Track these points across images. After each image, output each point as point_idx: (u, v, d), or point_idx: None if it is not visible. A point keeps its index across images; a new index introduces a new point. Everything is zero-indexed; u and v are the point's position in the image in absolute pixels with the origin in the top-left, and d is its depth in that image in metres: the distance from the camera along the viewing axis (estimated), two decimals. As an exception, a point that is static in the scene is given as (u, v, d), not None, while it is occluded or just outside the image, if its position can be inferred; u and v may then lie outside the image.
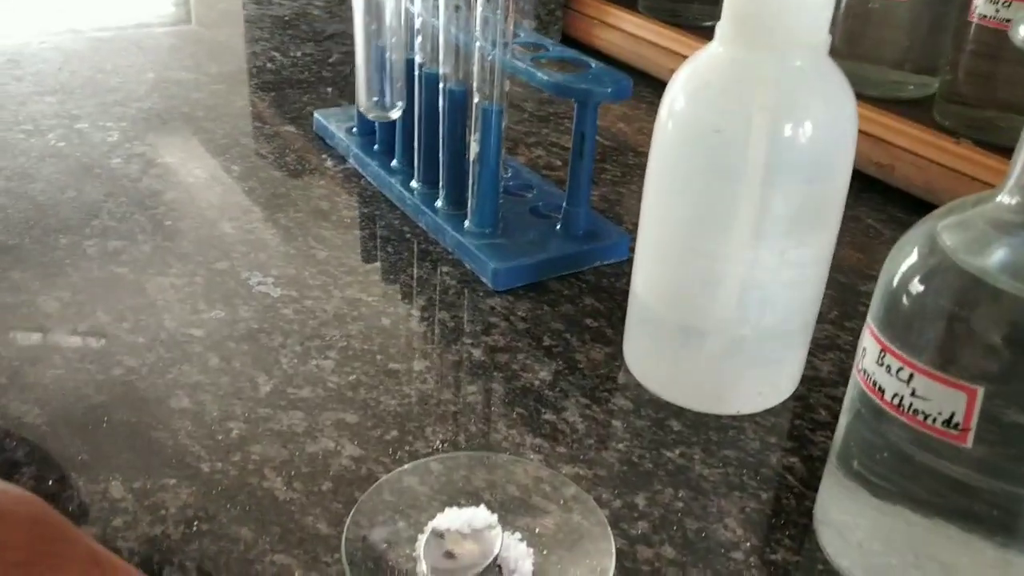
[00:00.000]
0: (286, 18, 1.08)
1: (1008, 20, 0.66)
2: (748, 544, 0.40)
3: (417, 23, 0.61)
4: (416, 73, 0.62)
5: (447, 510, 0.40)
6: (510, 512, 0.40)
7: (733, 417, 0.48)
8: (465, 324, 0.54)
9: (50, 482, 0.41)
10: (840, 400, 0.40)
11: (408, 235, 0.63)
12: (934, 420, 0.33)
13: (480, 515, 0.39)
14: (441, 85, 0.59)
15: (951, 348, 0.33)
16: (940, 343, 0.33)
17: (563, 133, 0.81)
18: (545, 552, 0.39)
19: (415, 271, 0.60)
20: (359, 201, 0.68)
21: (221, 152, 0.74)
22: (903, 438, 0.35)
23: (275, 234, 0.62)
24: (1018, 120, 0.63)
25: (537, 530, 0.40)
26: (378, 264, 0.60)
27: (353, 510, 0.39)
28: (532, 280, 0.58)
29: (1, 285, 0.55)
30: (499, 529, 0.39)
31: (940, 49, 0.75)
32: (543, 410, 0.48)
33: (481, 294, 0.57)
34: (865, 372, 0.36)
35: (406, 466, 0.42)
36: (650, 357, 0.49)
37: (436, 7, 0.58)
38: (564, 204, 0.61)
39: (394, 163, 0.68)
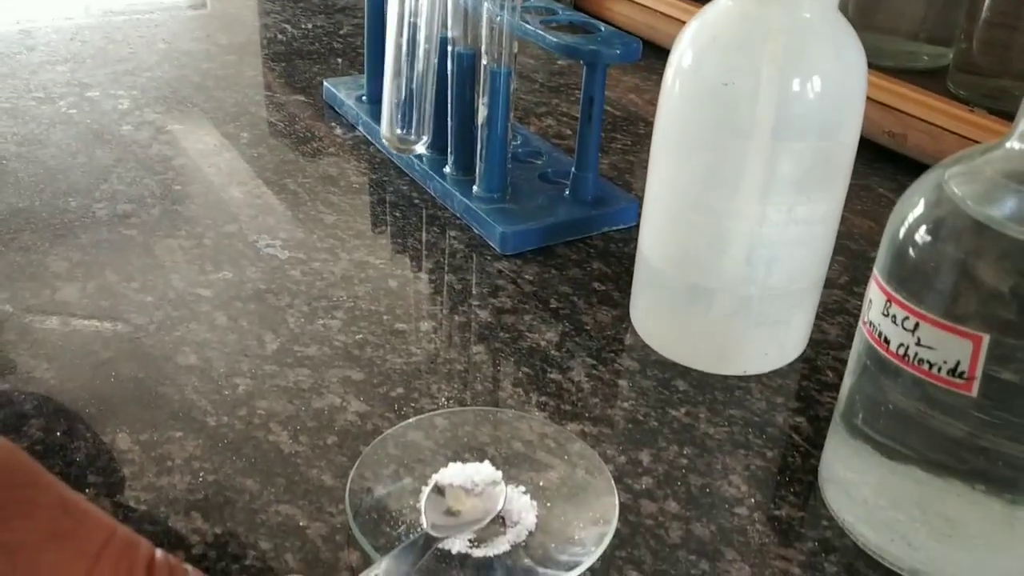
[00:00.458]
0: (297, -9, 1.07)
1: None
2: (752, 500, 0.40)
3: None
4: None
5: (451, 465, 0.40)
6: (514, 466, 0.40)
7: (739, 377, 0.47)
8: (472, 287, 0.54)
9: (58, 433, 0.41)
10: (847, 363, 0.40)
11: (416, 201, 0.63)
12: (939, 369, 0.33)
13: (484, 470, 0.39)
14: (450, 49, 0.59)
15: (958, 297, 0.32)
16: (947, 292, 0.32)
17: (573, 103, 0.81)
18: (548, 505, 0.39)
19: (423, 235, 0.60)
20: (368, 168, 0.68)
21: (231, 120, 0.74)
22: (907, 393, 0.35)
23: (284, 199, 0.62)
24: (1032, 86, 0.63)
25: (541, 483, 0.40)
26: (386, 229, 0.60)
27: (357, 462, 0.39)
28: (540, 244, 0.58)
29: (12, 245, 0.55)
30: (503, 485, 0.39)
31: (954, 19, 0.74)
32: (549, 370, 0.48)
33: (489, 258, 0.57)
34: (871, 324, 0.36)
35: (411, 420, 0.42)
36: (657, 318, 0.49)
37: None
38: (573, 169, 0.61)
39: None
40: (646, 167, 0.48)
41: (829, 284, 0.52)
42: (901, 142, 0.71)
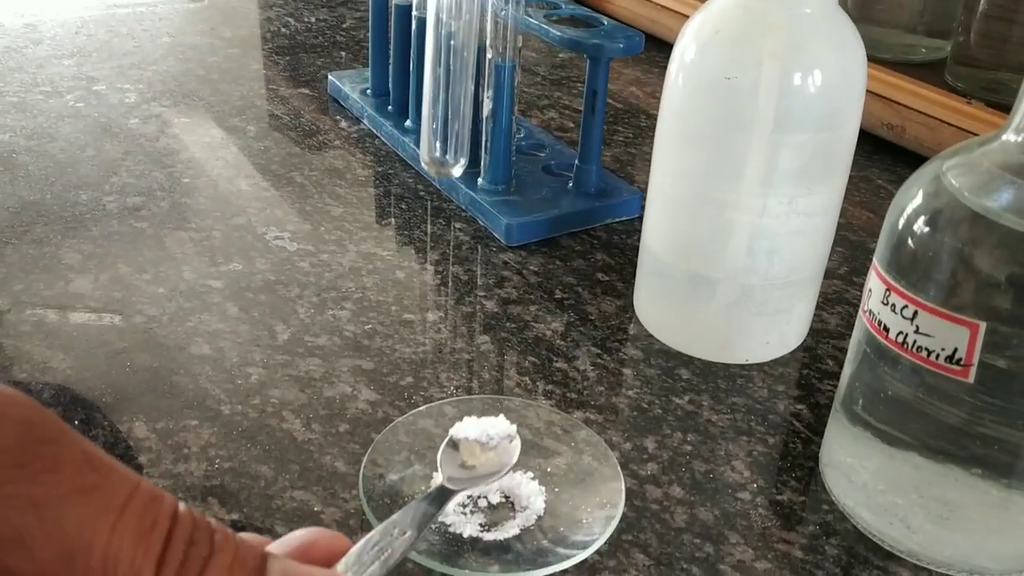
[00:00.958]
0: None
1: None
2: (755, 485, 0.41)
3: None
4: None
5: (466, 419, 0.39)
6: (522, 453, 0.41)
7: (741, 366, 0.48)
8: (478, 278, 0.55)
9: (76, 422, 0.42)
10: (847, 352, 0.41)
11: (422, 193, 0.64)
12: (937, 356, 0.34)
13: (499, 424, 0.38)
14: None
15: (955, 285, 0.33)
16: (944, 281, 0.33)
17: (576, 96, 0.82)
18: (556, 490, 0.40)
19: (429, 227, 0.60)
20: (373, 160, 0.68)
21: (237, 113, 0.74)
22: (906, 380, 0.36)
23: (291, 192, 0.63)
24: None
25: (549, 470, 0.41)
26: (392, 221, 0.61)
27: (370, 449, 0.40)
28: (544, 236, 0.59)
29: (25, 238, 0.56)
30: (518, 440, 0.38)
31: (952, 12, 0.75)
32: (555, 359, 0.48)
33: (494, 249, 0.58)
34: (871, 312, 0.37)
35: (420, 408, 0.43)
36: (660, 307, 0.50)
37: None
38: (576, 162, 0.62)
39: (408, 123, 0.69)
40: (648, 159, 0.49)
41: (829, 274, 0.53)
42: (899, 134, 0.71)
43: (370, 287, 0.53)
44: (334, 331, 0.49)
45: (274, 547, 0.26)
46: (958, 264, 0.33)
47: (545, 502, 0.39)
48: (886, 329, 0.35)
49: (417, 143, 0.67)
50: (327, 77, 0.79)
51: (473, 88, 0.53)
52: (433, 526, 0.38)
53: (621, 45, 0.57)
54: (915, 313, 0.34)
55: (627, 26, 0.60)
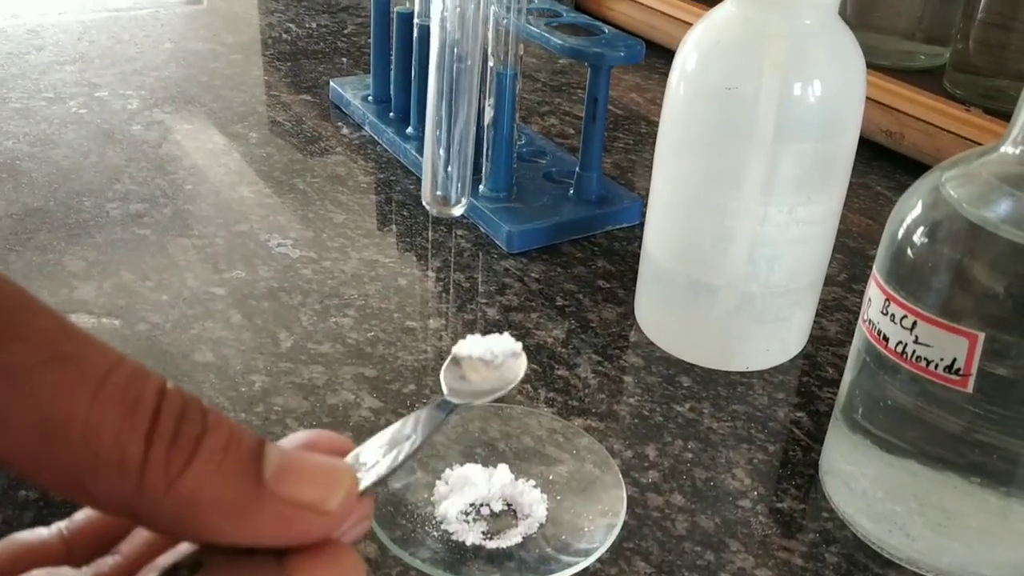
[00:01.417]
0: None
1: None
2: (755, 493, 0.41)
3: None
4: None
5: (469, 336, 0.39)
6: (524, 461, 0.42)
7: (742, 373, 0.49)
8: (480, 285, 0.56)
9: (80, 430, 0.42)
10: (847, 359, 0.41)
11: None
12: (936, 366, 0.34)
13: (504, 341, 0.37)
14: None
15: (954, 296, 0.34)
16: (943, 291, 0.34)
17: (576, 102, 0.82)
18: (559, 498, 0.40)
19: (430, 234, 0.61)
20: (375, 167, 0.69)
21: (239, 120, 0.75)
22: (905, 389, 0.36)
23: (293, 198, 0.64)
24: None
25: (551, 477, 0.41)
26: (394, 227, 0.61)
27: (373, 457, 0.40)
28: (545, 243, 0.59)
29: (28, 245, 0.56)
30: (523, 356, 0.37)
31: (951, 19, 0.75)
32: (556, 366, 0.49)
33: (495, 256, 0.58)
34: (870, 322, 0.37)
35: (424, 416, 0.43)
36: (661, 315, 0.51)
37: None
38: (577, 169, 0.62)
39: (409, 130, 0.69)
40: (648, 165, 0.49)
41: (828, 281, 0.54)
42: (898, 141, 0.72)
43: (372, 294, 0.54)
44: (337, 338, 0.50)
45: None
46: (957, 275, 0.34)
47: (547, 510, 0.39)
48: (885, 339, 0.36)
49: (418, 150, 0.67)
50: (329, 83, 0.79)
51: (475, 129, 0.53)
52: (435, 532, 0.38)
53: (622, 54, 0.57)
54: (914, 323, 0.34)
55: (627, 34, 0.60)
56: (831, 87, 0.42)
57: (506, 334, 0.37)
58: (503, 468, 0.41)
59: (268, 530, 0.20)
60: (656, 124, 0.48)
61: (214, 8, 1.02)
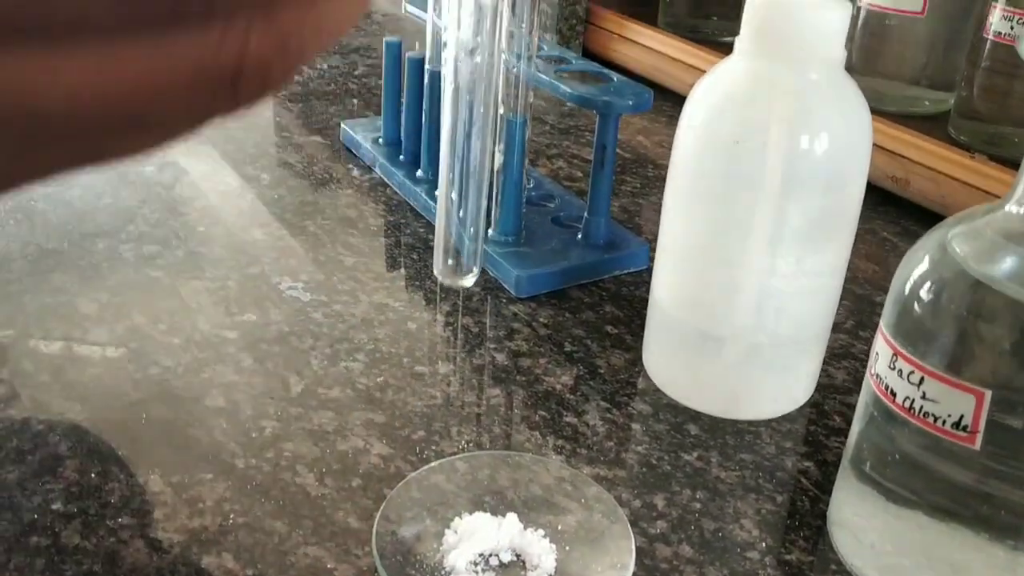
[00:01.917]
0: (312, 31, 1.10)
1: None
2: (764, 544, 0.42)
3: (444, 36, 0.63)
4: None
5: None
6: (533, 510, 0.42)
7: (749, 422, 0.49)
8: (488, 330, 0.56)
9: (92, 475, 0.43)
10: (854, 407, 0.41)
11: (433, 243, 0.65)
12: (943, 422, 0.34)
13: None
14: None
15: (961, 353, 0.34)
16: (950, 348, 0.34)
17: (584, 145, 0.83)
18: (567, 548, 0.40)
19: (440, 278, 0.61)
20: (385, 210, 0.69)
21: (251, 161, 0.76)
22: (914, 441, 0.36)
23: (304, 241, 0.64)
24: (1032, 135, 0.65)
25: (559, 527, 0.41)
26: (403, 271, 0.62)
27: (383, 505, 0.41)
28: (554, 288, 0.60)
29: (43, 287, 0.57)
30: None
31: (956, 65, 0.76)
32: (564, 413, 0.49)
33: (504, 301, 0.59)
34: (878, 376, 0.37)
35: (433, 464, 0.44)
36: (669, 363, 0.51)
37: (459, 20, 0.60)
38: (585, 214, 0.62)
39: (419, 173, 0.70)
40: (656, 209, 0.49)
41: (835, 328, 0.54)
42: (904, 187, 0.72)
43: (382, 338, 0.54)
44: (347, 383, 0.50)
45: None
46: (962, 332, 0.34)
47: (556, 560, 0.40)
48: (893, 393, 0.36)
49: (428, 193, 0.68)
50: (340, 125, 0.80)
51: (486, 212, 0.54)
52: (445, 584, 0.38)
53: (630, 102, 0.58)
54: (921, 379, 0.35)
55: (635, 79, 0.61)
56: (838, 141, 0.43)
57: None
58: (512, 517, 0.41)
59: None
60: (663, 168, 0.48)
61: (227, 48, 1.04)
